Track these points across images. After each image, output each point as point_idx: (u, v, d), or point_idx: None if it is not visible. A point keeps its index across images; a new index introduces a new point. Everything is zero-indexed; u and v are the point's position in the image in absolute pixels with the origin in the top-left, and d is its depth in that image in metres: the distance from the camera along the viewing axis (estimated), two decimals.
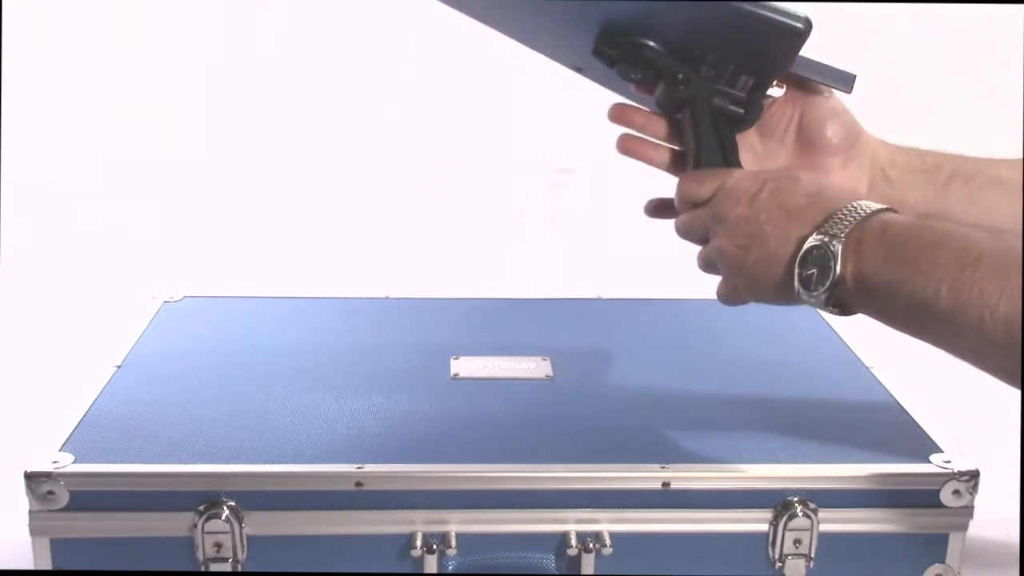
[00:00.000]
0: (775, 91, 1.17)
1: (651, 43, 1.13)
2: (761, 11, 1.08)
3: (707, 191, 1.11)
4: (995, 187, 1.13)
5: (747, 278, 1.06)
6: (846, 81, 1.16)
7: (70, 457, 1.19)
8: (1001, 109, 2.32)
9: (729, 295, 1.11)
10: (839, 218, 1.00)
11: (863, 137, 1.17)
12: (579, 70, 1.21)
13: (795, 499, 1.20)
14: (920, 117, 2.40)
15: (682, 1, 1.09)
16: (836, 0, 2.34)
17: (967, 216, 1.13)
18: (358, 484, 1.18)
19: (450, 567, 1.20)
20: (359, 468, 1.19)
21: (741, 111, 1.15)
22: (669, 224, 1.16)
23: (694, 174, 1.14)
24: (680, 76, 1.13)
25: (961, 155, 1.16)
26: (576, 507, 1.20)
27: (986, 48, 2.45)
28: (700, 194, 1.12)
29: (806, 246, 1.01)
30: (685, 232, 1.14)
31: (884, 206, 1.01)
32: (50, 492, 1.16)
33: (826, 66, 1.16)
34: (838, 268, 0.98)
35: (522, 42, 1.20)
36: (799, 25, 1.08)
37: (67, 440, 1.23)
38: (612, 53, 1.14)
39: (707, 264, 1.13)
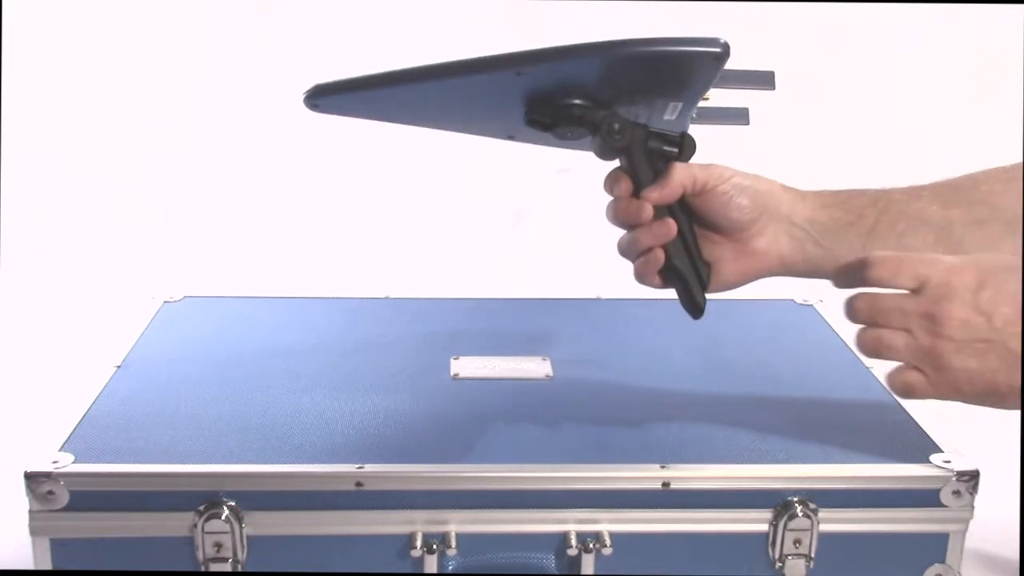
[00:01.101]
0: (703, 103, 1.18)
1: (579, 101, 1.14)
2: (678, 48, 1.08)
3: (907, 282, 1.05)
4: (921, 227, 1.13)
5: (980, 385, 1.04)
6: (766, 80, 1.17)
7: (70, 457, 1.19)
8: (1001, 109, 2.32)
9: (913, 390, 1.08)
10: None
11: (772, 203, 1.17)
12: (510, 137, 1.23)
13: (795, 499, 1.20)
14: (920, 118, 2.40)
15: (601, 58, 1.09)
16: (836, 0, 2.34)
17: None
18: (358, 484, 1.18)
19: (450, 567, 1.20)
20: (359, 468, 1.18)
21: (675, 150, 1.18)
22: None
23: (888, 257, 1.07)
24: (615, 127, 1.15)
25: (885, 194, 1.16)
26: (576, 507, 1.20)
27: (986, 48, 2.45)
28: (897, 283, 1.06)
29: None
30: (871, 318, 1.08)
31: None
32: (50, 492, 1.16)
33: (744, 72, 1.18)
34: None
35: (452, 130, 1.24)
36: (717, 50, 1.08)
37: (67, 440, 1.23)
38: (546, 120, 1.15)
39: (886, 350, 1.08)
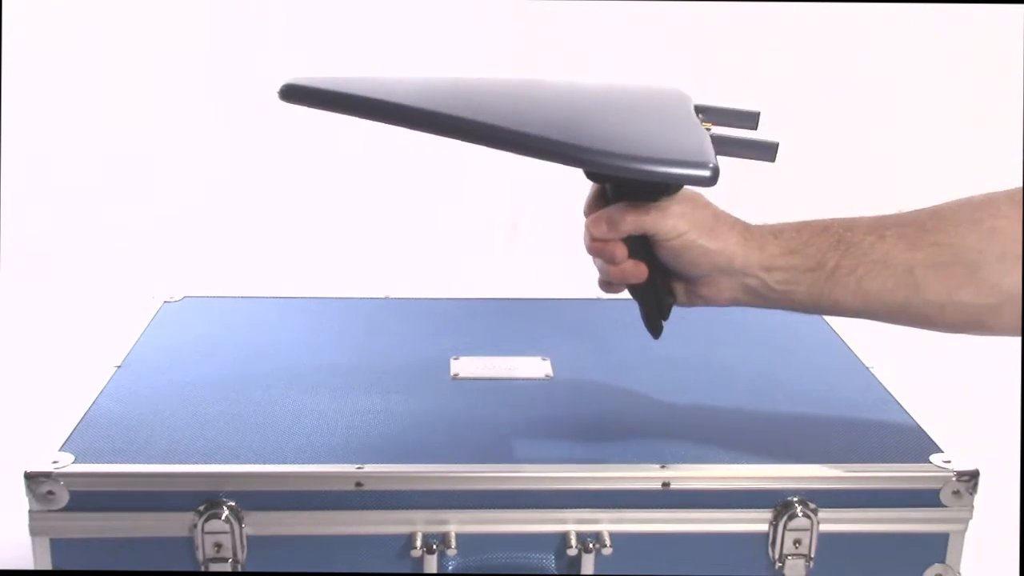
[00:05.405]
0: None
1: None
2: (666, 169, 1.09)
3: None
4: (881, 272, 1.12)
5: None
6: (769, 150, 1.16)
7: (70, 457, 1.19)
8: (1001, 109, 2.32)
9: None
10: None
11: (723, 261, 1.15)
12: None
13: (795, 499, 1.20)
14: (920, 118, 2.40)
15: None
16: (836, 0, 2.34)
17: (856, 303, 1.14)
18: (358, 484, 1.18)
19: (450, 567, 1.20)
20: (359, 468, 1.18)
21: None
22: None
23: None
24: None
25: (848, 232, 1.14)
26: (576, 507, 1.20)
27: (986, 48, 2.45)
28: None
29: None
30: None
31: None
32: (50, 492, 1.16)
33: (747, 140, 1.17)
34: None
35: None
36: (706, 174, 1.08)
37: (67, 440, 1.23)
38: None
39: None
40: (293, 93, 1.14)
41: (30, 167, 2.29)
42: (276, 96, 1.13)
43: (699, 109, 1.23)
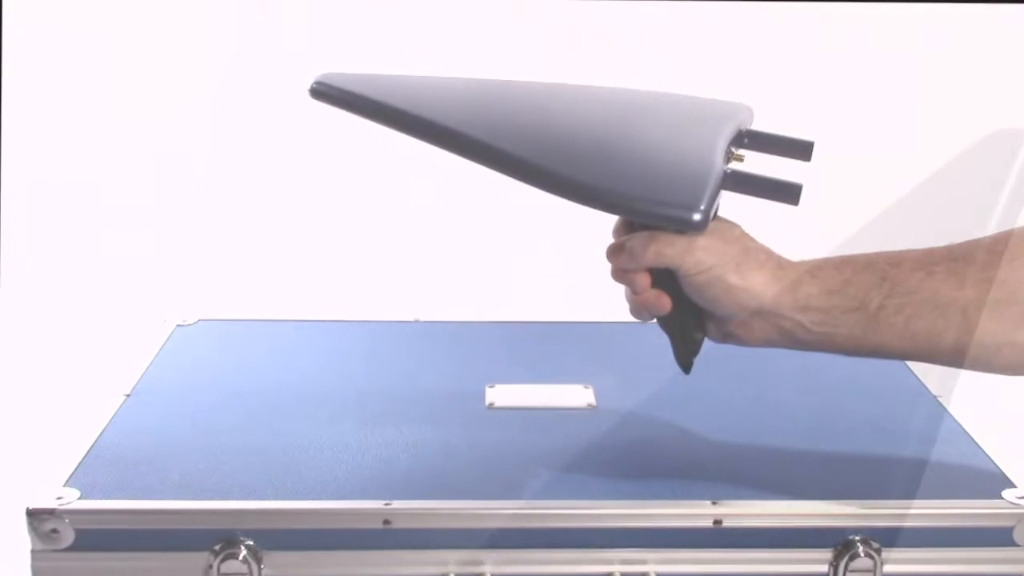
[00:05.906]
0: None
1: None
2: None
3: None
4: (930, 312, 1.09)
5: None
6: (791, 193, 1.14)
7: (75, 493, 1.17)
8: (1001, 110, 2.30)
9: None
10: None
11: (750, 301, 1.13)
12: None
13: (857, 538, 1.17)
14: (920, 118, 2.38)
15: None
16: (836, 0, 2.31)
17: (903, 345, 1.12)
18: (386, 522, 1.15)
19: None
20: (387, 505, 1.16)
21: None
22: None
23: None
24: None
25: (893, 269, 1.12)
26: (621, 547, 1.17)
27: (986, 48, 2.44)
28: None
29: None
30: None
31: None
32: (54, 530, 1.14)
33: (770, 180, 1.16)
34: None
35: None
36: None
37: (72, 475, 1.21)
38: None
39: None
40: (323, 93, 1.13)
41: (36, 183, 2.27)
42: (307, 96, 1.14)
43: (748, 135, 1.22)
